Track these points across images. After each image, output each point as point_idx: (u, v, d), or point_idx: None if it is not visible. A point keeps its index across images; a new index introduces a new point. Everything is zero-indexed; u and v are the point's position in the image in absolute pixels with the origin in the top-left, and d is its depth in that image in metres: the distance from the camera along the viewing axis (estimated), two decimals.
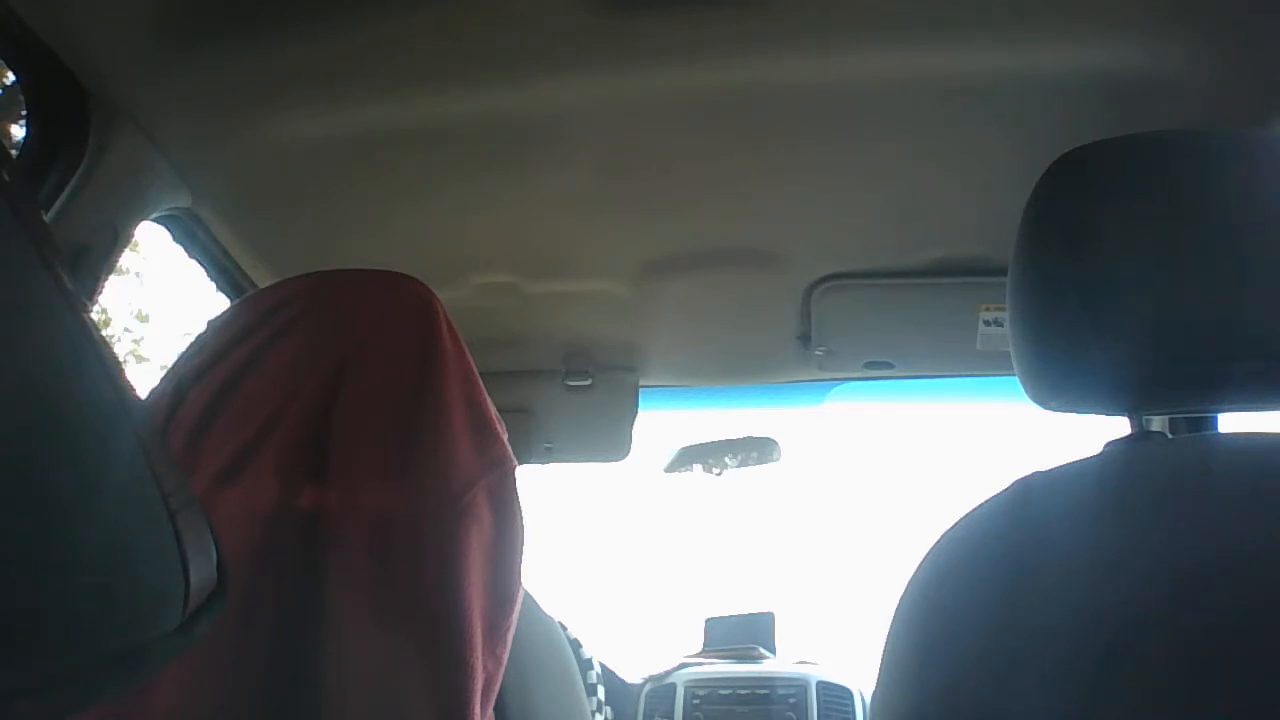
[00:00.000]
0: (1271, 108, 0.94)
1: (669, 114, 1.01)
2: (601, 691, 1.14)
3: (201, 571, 0.31)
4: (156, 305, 5.17)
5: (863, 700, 1.57)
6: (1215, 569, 0.51)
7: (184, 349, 0.65)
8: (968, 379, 1.51)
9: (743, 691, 1.59)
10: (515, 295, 1.38)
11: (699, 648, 1.76)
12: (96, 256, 0.96)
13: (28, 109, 0.92)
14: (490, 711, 0.59)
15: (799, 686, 1.57)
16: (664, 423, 1.84)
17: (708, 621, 1.80)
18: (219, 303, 1.29)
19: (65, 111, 0.91)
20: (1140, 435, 0.65)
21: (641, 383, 1.59)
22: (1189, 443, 0.81)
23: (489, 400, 0.65)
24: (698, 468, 2.09)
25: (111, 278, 1.00)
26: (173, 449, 0.52)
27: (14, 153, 0.93)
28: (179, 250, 1.21)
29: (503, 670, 0.60)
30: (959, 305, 1.32)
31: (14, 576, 0.25)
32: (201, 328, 0.66)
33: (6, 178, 0.27)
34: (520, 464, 0.65)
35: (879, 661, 0.61)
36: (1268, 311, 0.57)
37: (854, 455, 4.73)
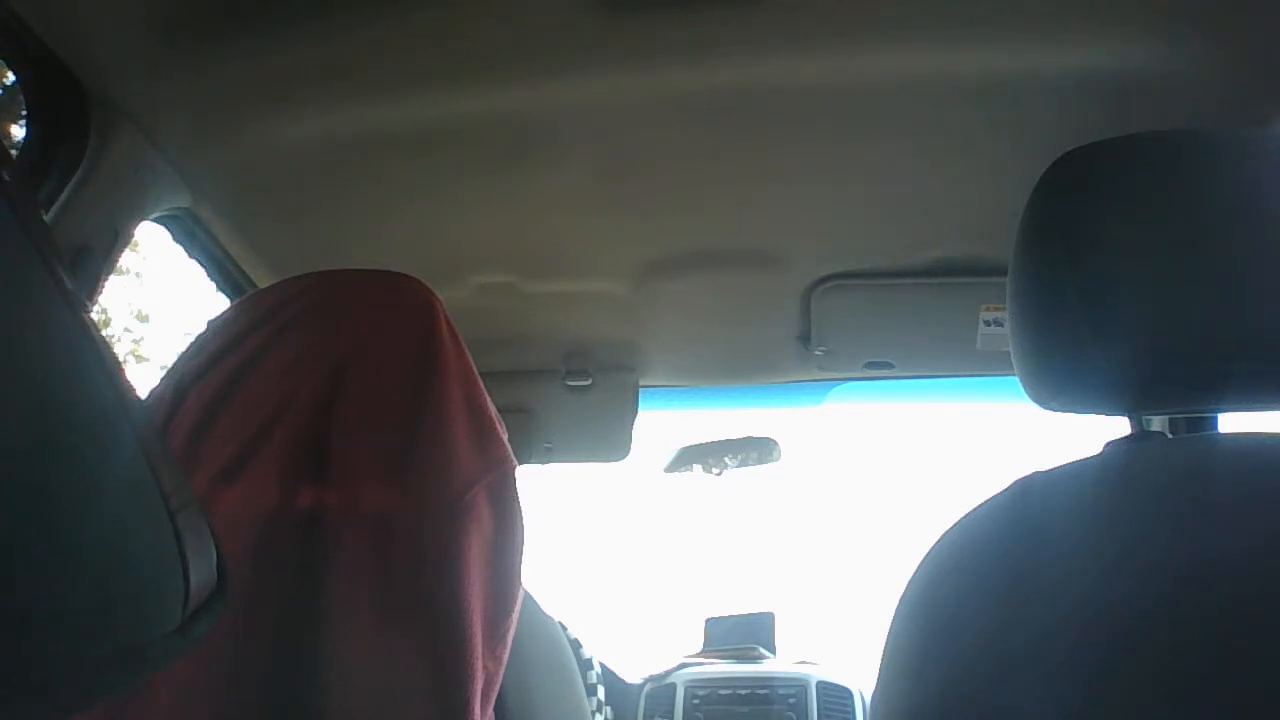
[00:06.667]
0: (1271, 108, 0.94)
1: (669, 114, 1.01)
2: (601, 691, 1.14)
3: (201, 572, 0.31)
4: (156, 305, 5.18)
5: (863, 700, 1.56)
6: (1215, 568, 0.51)
7: (184, 349, 0.65)
8: (968, 379, 1.51)
9: (743, 691, 1.59)
10: (515, 295, 1.38)
11: (699, 648, 1.76)
12: (96, 256, 0.96)
13: (28, 109, 0.92)
14: (490, 711, 0.59)
15: (799, 686, 1.57)
16: (664, 423, 1.84)
17: (708, 621, 1.80)
18: (219, 303, 1.29)
19: (65, 111, 0.91)
20: (1140, 435, 0.65)
21: (641, 383, 1.59)
22: (1189, 443, 0.80)
23: (489, 400, 0.65)
24: (698, 468, 2.09)
25: (111, 278, 1.00)
26: (173, 449, 0.52)
27: (14, 153, 0.93)
28: (179, 250, 1.21)
29: (503, 670, 0.60)
30: (959, 305, 1.32)
31: (14, 576, 0.25)
32: (201, 328, 0.66)
33: (6, 178, 0.27)
34: (520, 464, 0.65)
35: (879, 661, 0.61)
36: (1268, 312, 0.57)
37: (854, 455, 4.73)
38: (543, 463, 1.60)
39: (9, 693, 0.24)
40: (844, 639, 1.78)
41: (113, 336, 4.70)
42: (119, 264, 1.01)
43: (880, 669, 0.60)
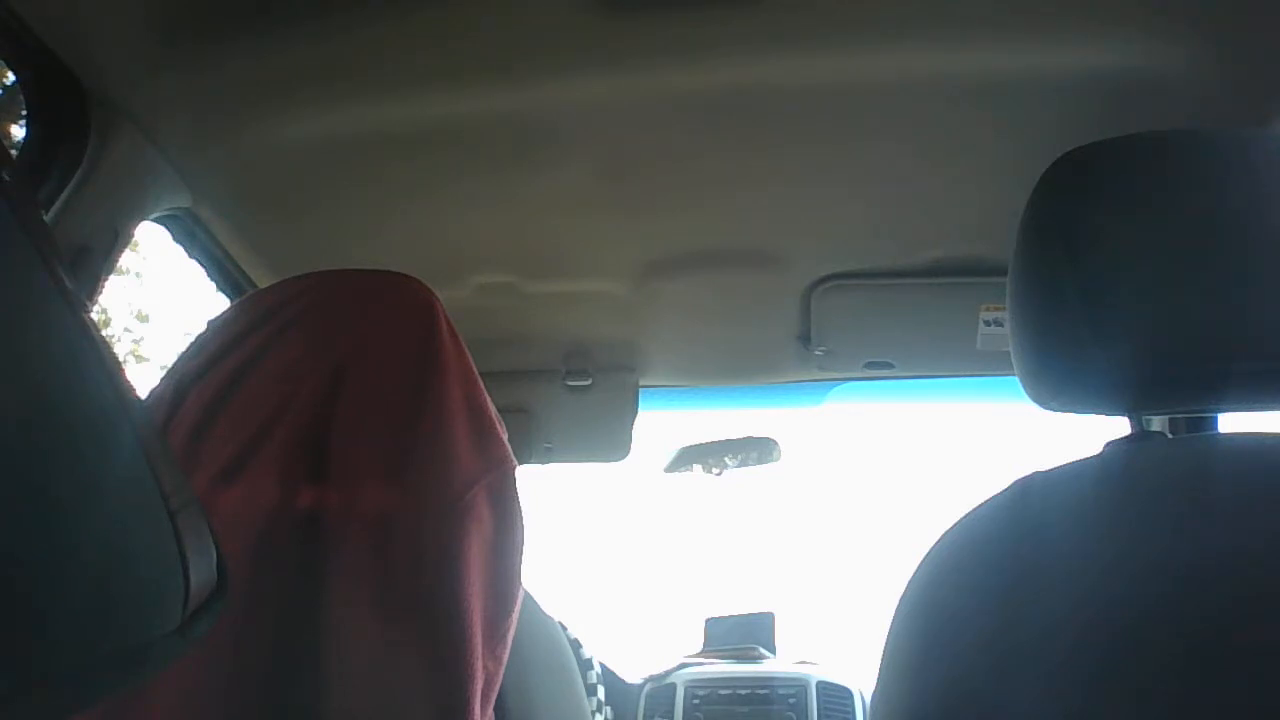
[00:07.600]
0: (1271, 108, 0.94)
1: (669, 114, 1.01)
2: (601, 691, 1.14)
3: (201, 572, 0.31)
4: (156, 305, 5.19)
5: (863, 700, 1.56)
6: (1215, 568, 0.51)
7: (184, 349, 0.65)
8: (968, 379, 1.51)
9: (743, 691, 1.59)
10: (515, 295, 1.38)
11: (699, 648, 1.76)
12: (96, 256, 0.96)
13: (28, 109, 0.92)
14: (490, 711, 0.59)
15: (799, 686, 1.57)
16: (664, 423, 1.84)
17: (708, 621, 1.80)
18: (219, 303, 1.29)
19: (65, 111, 0.91)
20: (1140, 435, 0.65)
21: (641, 383, 1.59)
22: (1189, 443, 0.80)
23: (489, 400, 0.65)
24: (698, 468, 2.09)
25: (111, 278, 1.00)
26: (173, 449, 0.52)
27: (14, 153, 0.93)
28: (179, 250, 1.21)
29: (503, 670, 0.60)
30: (959, 305, 1.32)
31: (14, 576, 0.25)
32: (201, 328, 0.66)
33: (6, 178, 0.27)
34: (520, 464, 0.65)
35: (879, 661, 0.61)
36: (1268, 311, 0.57)
37: (854, 455, 4.73)
38: (543, 463, 1.60)
39: (9, 692, 0.24)
40: (844, 639, 1.78)
41: (113, 336, 4.70)
42: (119, 264, 1.01)
43: (880, 669, 0.60)
